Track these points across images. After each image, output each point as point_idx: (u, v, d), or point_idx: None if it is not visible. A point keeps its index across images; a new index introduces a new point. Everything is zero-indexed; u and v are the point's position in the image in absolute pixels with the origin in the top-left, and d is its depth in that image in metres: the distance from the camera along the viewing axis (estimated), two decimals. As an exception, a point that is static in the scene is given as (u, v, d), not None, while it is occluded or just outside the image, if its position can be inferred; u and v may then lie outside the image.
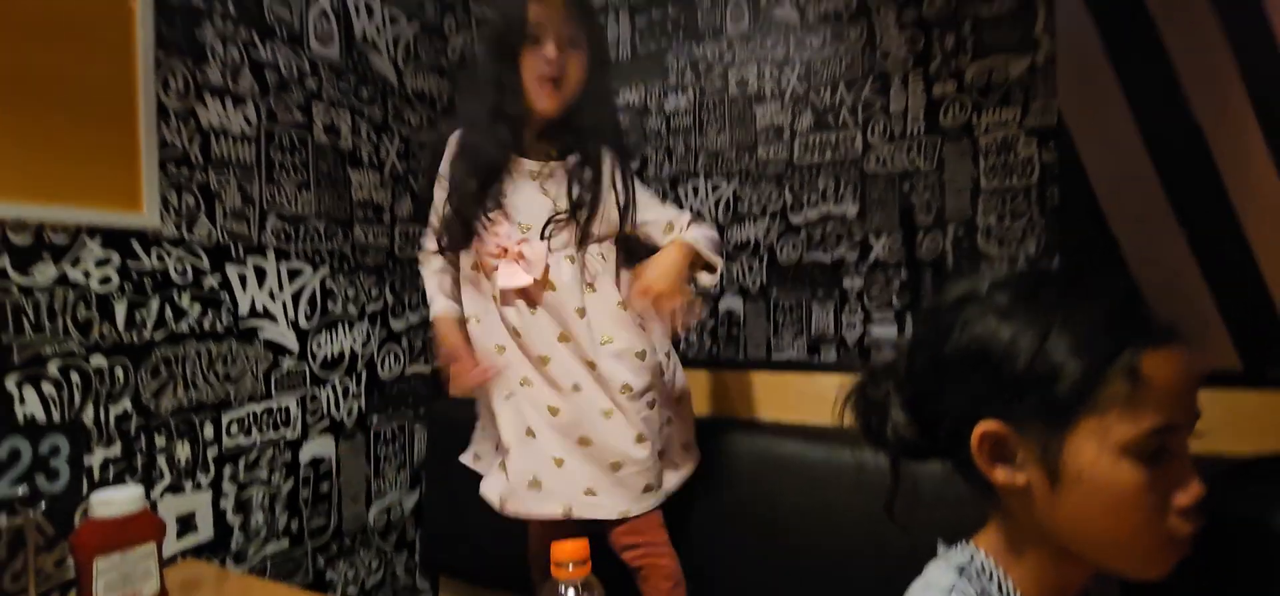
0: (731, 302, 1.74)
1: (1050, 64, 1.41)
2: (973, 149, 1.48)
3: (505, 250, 0.98)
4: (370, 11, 1.34)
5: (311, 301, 1.22)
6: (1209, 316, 1.27)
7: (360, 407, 1.31)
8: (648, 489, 1.02)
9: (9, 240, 0.87)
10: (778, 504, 1.12)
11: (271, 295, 1.16)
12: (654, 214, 1.07)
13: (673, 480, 1.07)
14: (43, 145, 0.90)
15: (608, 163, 1.05)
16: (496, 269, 0.98)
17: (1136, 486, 0.47)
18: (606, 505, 0.98)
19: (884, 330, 1.56)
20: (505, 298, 1.00)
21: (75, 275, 0.93)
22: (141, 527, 0.82)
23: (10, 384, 0.87)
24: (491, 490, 1.03)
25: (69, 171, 0.92)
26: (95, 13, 0.95)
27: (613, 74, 1.09)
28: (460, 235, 1.02)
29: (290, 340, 1.19)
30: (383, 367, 1.36)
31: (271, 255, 1.16)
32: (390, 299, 1.37)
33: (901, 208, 1.55)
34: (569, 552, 0.64)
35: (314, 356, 1.23)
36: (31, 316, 0.89)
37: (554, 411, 1.00)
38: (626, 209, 1.03)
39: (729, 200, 1.74)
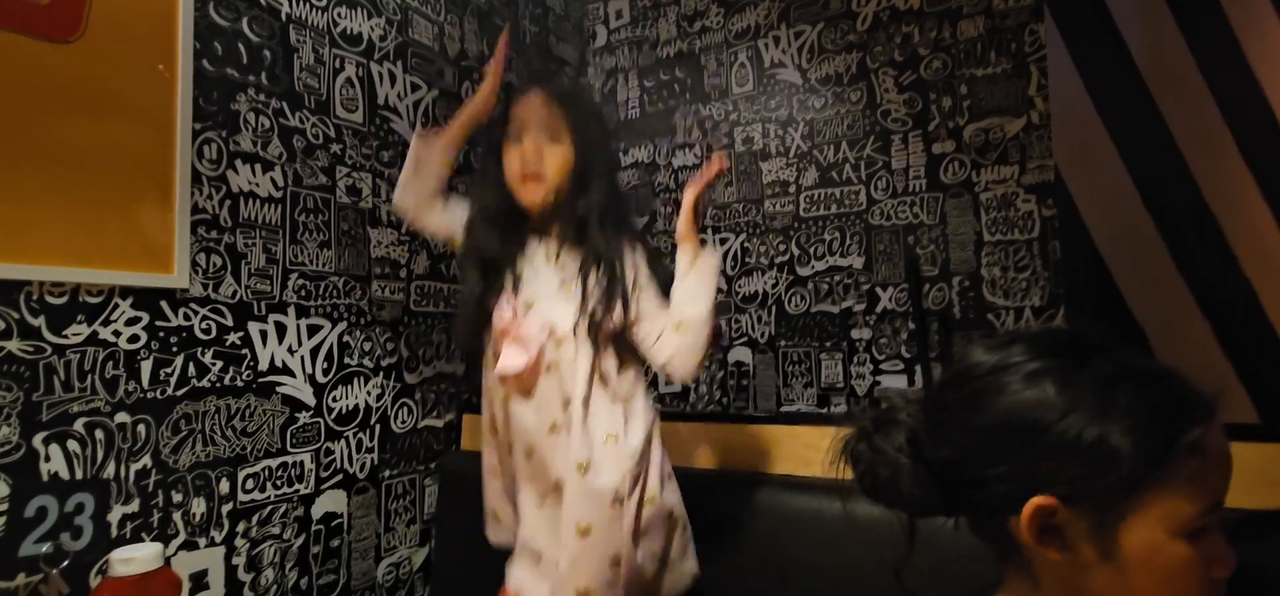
0: (740, 354, 1.75)
1: (1045, 123, 1.45)
2: (974, 204, 1.52)
3: (506, 330, 0.97)
4: (392, 79, 1.41)
5: (329, 356, 1.25)
6: (1223, 370, 1.28)
7: (373, 461, 1.32)
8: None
9: (46, 302, 0.91)
10: (791, 561, 1.11)
11: (290, 350, 1.19)
12: (651, 324, 0.99)
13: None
14: (84, 210, 0.94)
15: (633, 255, 1.02)
16: (499, 350, 0.97)
17: (1189, 563, 0.47)
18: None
19: (893, 380, 1.58)
20: (514, 386, 0.98)
21: (106, 334, 0.96)
22: (159, 586, 0.83)
23: (37, 441, 0.90)
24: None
25: (106, 235, 0.96)
26: (137, 87, 1.01)
27: (615, 164, 1.09)
28: (474, 332, 1.03)
29: (307, 394, 1.21)
30: (396, 421, 1.37)
31: (292, 311, 1.20)
32: (405, 353, 1.40)
33: (907, 260, 1.58)
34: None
35: (329, 410, 1.25)
36: (62, 375, 0.92)
37: (541, 504, 0.99)
38: (626, 298, 0.98)
39: (737, 253, 1.78)
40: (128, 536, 0.97)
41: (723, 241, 1.80)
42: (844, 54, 1.69)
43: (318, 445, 1.22)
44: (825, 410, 1.64)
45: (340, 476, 1.26)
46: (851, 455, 0.59)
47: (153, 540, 0.98)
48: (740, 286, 1.76)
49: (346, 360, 1.28)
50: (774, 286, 1.72)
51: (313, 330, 1.23)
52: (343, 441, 1.27)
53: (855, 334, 1.62)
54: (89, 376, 0.94)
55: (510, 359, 0.96)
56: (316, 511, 1.22)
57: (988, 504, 0.53)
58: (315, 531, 1.22)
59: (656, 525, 0.98)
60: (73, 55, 0.94)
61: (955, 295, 1.52)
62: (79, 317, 0.94)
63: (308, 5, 1.25)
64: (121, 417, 0.97)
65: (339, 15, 1.31)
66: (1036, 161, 1.46)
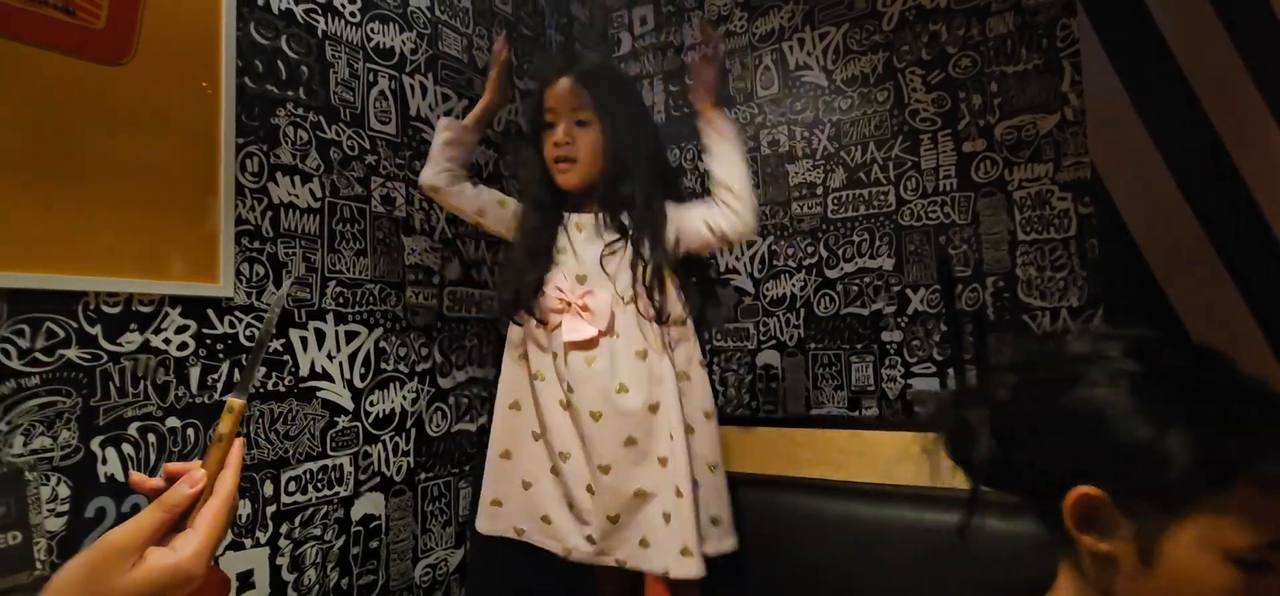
0: (769, 357, 1.75)
1: (1080, 119, 1.43)
2: (1007, 203, 1.49)
3: (568, 303, 1.02)
4: (424, 91, 1.44)
5: (366, 362, 1.28)
6: (1271, 370, 1.24)
7: (409, 465, 1.35)
8: (685, 552, 1.00)
9: (102, 311, 0.95)
10: (821, 565, 1.11)
11: (329, 356, 1.22)
12: (694, 223, 1.07)
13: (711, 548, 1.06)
14: (135, 223, 0.99)
15: (668, 214, 1.08)
16: (560, 324, 1.02)
17: (1232, 589, 0.47)
18: (653, 559, 0.99)
19: (926, 383, 1.56)
20: (577, 349, 1.04)
21: (157, 342, 1.01)
22: (210, 585, 0.85)
23: (95, 445, 0.94)
24: (553, 541, 1.05)
25: (156, 246, 1.01)
26: (184, 105, 1.05)
27: (655, 140, 1.14)
28: (523, 295, 1.08)
29: (346, 399, 1.24)
30: (430, 425, 1.40)
31: (330, 319, 1.23)
32: (438, 358, 1.43)
33: (939, 261, 1.56)
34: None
35: (367, 414, 1.28)
36: (117, 381, 0.96)
37: (606, 469, 1.01)
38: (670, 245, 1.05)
39: (764, 256, 1.77)
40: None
41: (750, 244, 1.80)
42: (870, 54, 1.68)
43: (356, 448, 1.26)
44: (856, 413, 1.63)
45: (378, 479, 1.29)
46: (942, 416, 0.61)
47: (202, 540, 1.02)
48: (768, 289, 1.76)
49: (383, 365, 1.31)
50: (802, 289, 1.71)
51: (350, 336, 1.26)
52: (380, 445, 1.30)
53: (886, 336, 1.60)
54: (142, 382, 0.99)
55: (576, 330, 1.01)
56: (356, 513, 1.25)
57: (1045, 485, 0.53)
58: (355, 533, 1.25)
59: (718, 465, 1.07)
60: (124, 76, 0.99)
61: (989, 296, 1.50)
62: (132, 326, 0.98)
63: (343, 21, 1.29)
64: (172, 422, 1.01)
65: (372, 30, 1.35)
66: (1071, 159, 1.44)
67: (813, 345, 1.69)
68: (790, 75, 1.78)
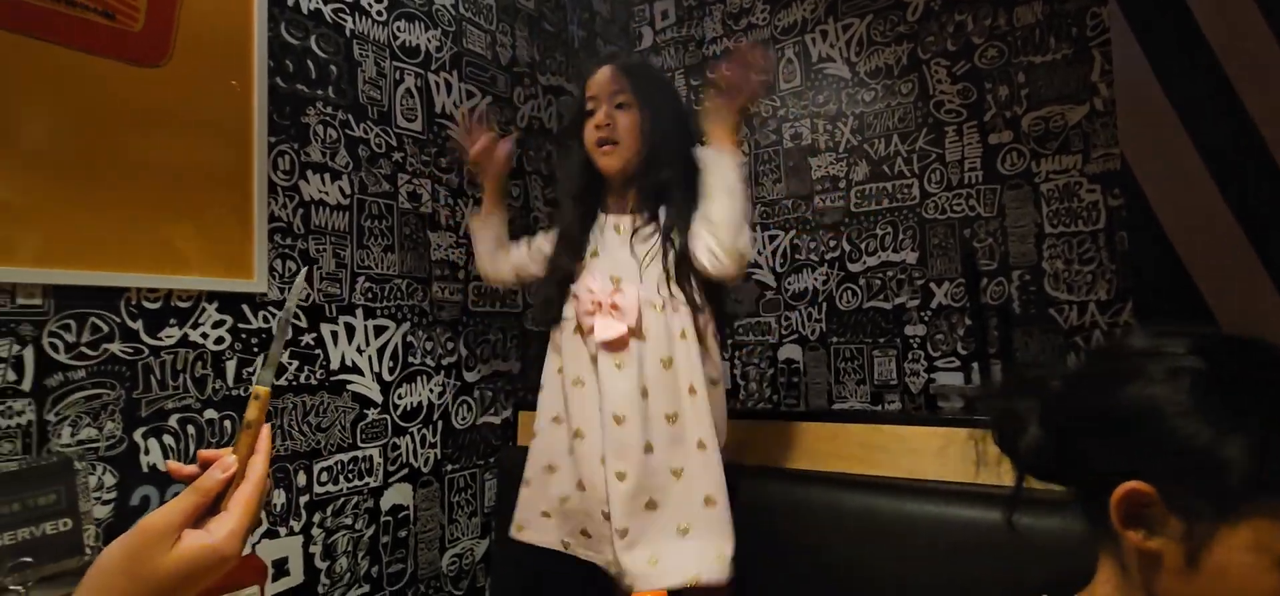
0: (791, 351, 1.75)
1: (1110, 110, 1.40)
2: (1034, 195, 1.47)
3: (599, 304, 1.03)
4: (448, 88, 1.46)
5: (394, 355, 1.31)
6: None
7: (436, 456, 1.38)
8: (721, 556, 1.00)
9: (143, 306, 0.98)
10: (843, 559, 1.11)
11: (359, 350, 1.25)
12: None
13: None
14: (173, 221, 1.02)
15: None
16: (593, 326, 1.03)
17: None
18: (671, 571, 0.97)
19: (950, 377, 1.54)
20: (607, 349, 1.04)
21: (195, 336, 1.04)
22: (248, 571, 0.89)
23: (138, 436, 0.97)
24: (595, 553, 1.06)
25: (194, 244, 1.04)
26: (218, 106, 1.08)
27: (688, 130, 1.14)
28: (554, 299, 1.11)
29: (375, 392, 1.27)
30: (456, 418, 1.42)
31: (360, 313, 1.26)
32: (464, 352, 1.45)
33: (963, 254, 1.55)
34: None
35: (395, 407, 1.31)
36: (158, 374, 1.00)
37: (621, 476, 1.00)
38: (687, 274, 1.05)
39: (786, 250, 1.77)
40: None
41: (772, 238, 1.79)
42: (894, 45, 1.66)
43: (385, 440, 1.28)
44: (878, 407, 1.62)
45: (406, 470, 1.32)
46: (990, 405, 0.61)
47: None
48: (790, 283, 1.76)
49: (410, 359, 1.34)
50: (824, 283, 1.71)
51: (379, 330, 1.29)
52: (408, 437, 1.32)
53: (909, 330, 1.59)
54: (181, 375, 1.02)
55: (607, 328, 1.02)
56: (385, 503, 1.28)
57: (1094, 479, 0.52)
58: (384, 522, 1.28)
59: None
60: (162, 78, 1.02)
61: (1015, 289, 1.48)
62: (171, 321, 1.01)
63: (370, 20, 1.31)
64: (210, 413, 1.05)
65: (398, 28, 1.37)
66: (1101, 150, 1.41)
67: (835, 339, 1.69)
68: (813, 68, 1.77)
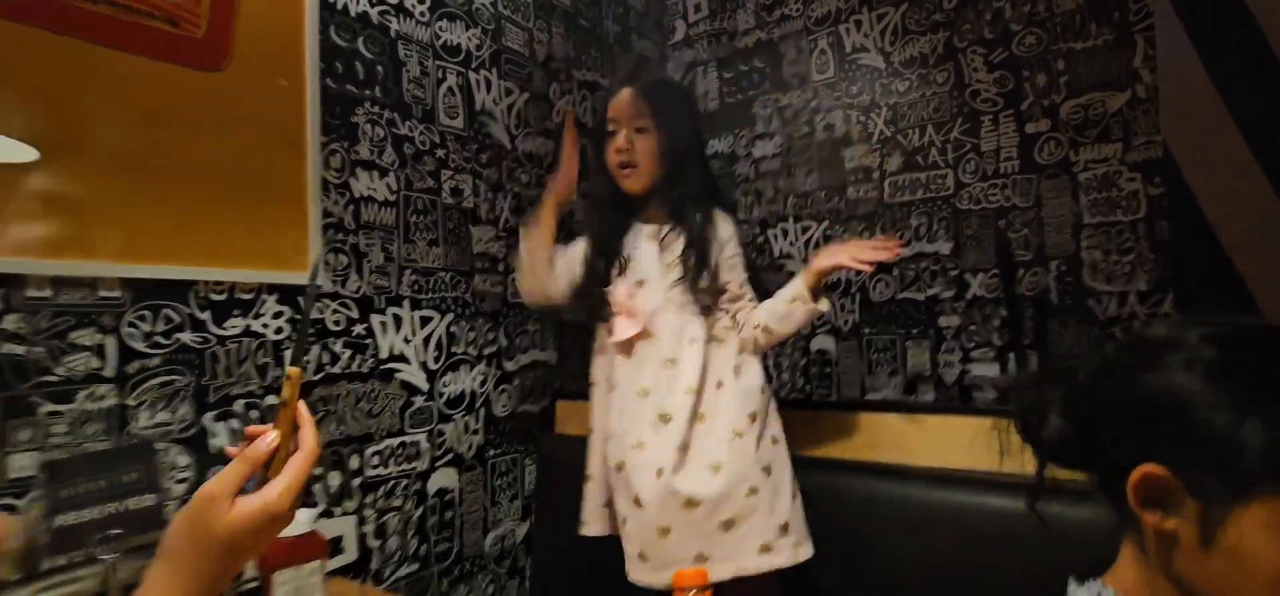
0: (823, 342, 1.76)
1: (1152, 97, 1.38)
2: (1072, 185, 1.46)
3: (620, 308, 1.10)
4: (488, 86, 1.50)
5: (438, 345, 1.36)
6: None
7: (479, 442, 1.43)
8: (765, 549, 1.03)
9: (210, 298, 1.04)
10: (875, 547, 1.13)
11: (406, 340, 1.30)
12: (739, 305, 1.14)
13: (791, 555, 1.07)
14: (236, 218, 1.08)
15: (724, 226, 1.15)
16: (614, 328, 1.09)
17: None
18: (717, 569, 1.00)
19: (984, 368, 1.54)
20: (621, 350, 1.10)
21: (256, 326, 1.10)
22: (310, 547, 0.95)
23: (206, 420, 1.04)
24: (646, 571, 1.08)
25: (254, 239, 1.09)
26: (274, 107, 1.13)
27: (701, 144, 1.20)
28: (593, 301, 1.16)
29: (421, 380, 1.32)
30: (498, 405, 1.47)
31: (407, 305, 1.31)
32: (504, 342, 1.50)
33: (998, 245, 1.54)
34: (690, 578, 0.70)
35: (440, 395, 1.36)
36: (223, 362, 1.06)
37: (660, 474, 1.04)
38: (714, 272, 1.11)
39: (819, 240, 1.78)
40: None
41: (805, 229, 1.80)
42: (929, 34, 1.65)
43: (431, 426, 1.34)
44: (911, 398, 1.63)
45: (451, 455, 1.37)
46: (1017, 394, 0.63)
47: (300, 508, 1.11)
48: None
49: (454, 349, 1.39)
50: (857, 273, 1.71)
51: (424, 321, 1.34)
52: (452, 423, 1.38)
53: (943, 321, 1.59)
54: (245, 363, 1.08)
55: (623, 329, 1.09)
56: (432, 486, 1.34)
57: (1115, 465, 0.54)
58: (431, 504, 1.33)
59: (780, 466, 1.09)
60: (222, 82, 1.07)
61: (1052, 280, 1.47)
62: (235, 312, 1.07)
63: (413, 21, 1.36)
64: (270, 399, 1.11)
65: (440, 28, 1.41)
66: (1142, 138, 1.39)
67: (867, 330, 1.69)
68: (846, 58, 1.77)
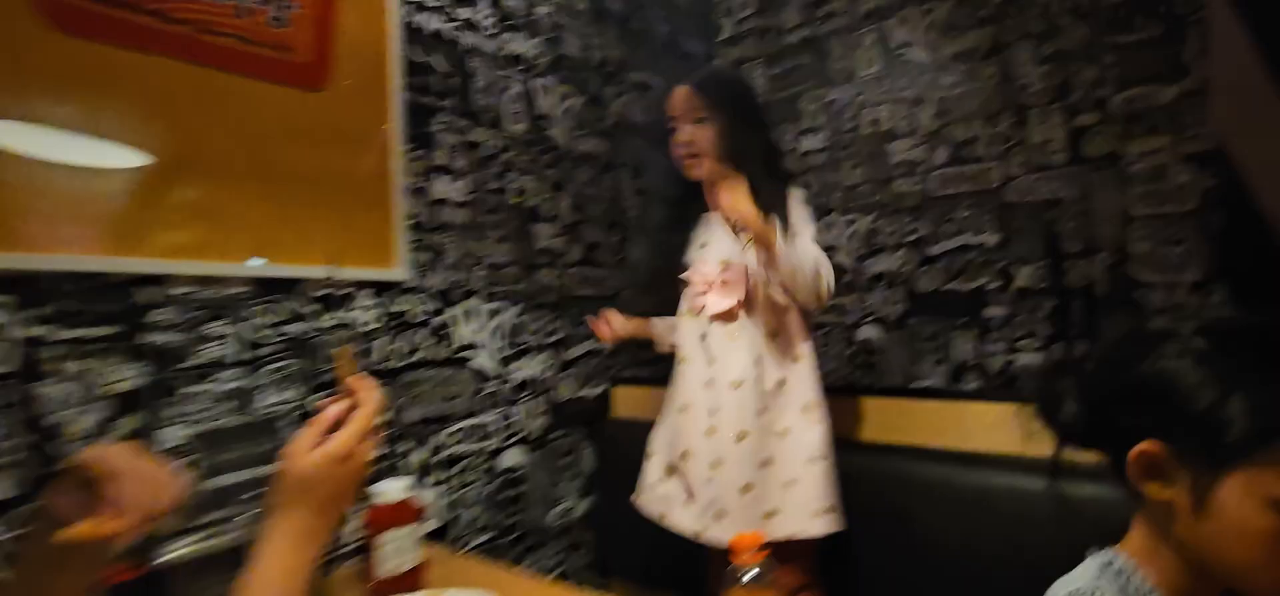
0: (868, 331, 1.81)
1: (1204, 88, 1.38)
2: (1121, 177, 1.47)
3: (710, 283, 1.19)
4: (547, 91, 1.60)
5: (507, 334, 1.48)
6: None
7: (543, 424, 1.55)
8: (820, 511, 1.13)
9: (315, 294, 1.18)
10: (920, 527, 1.19)
11: (478, 330, 1.43)
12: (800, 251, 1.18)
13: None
14: (335, 221, 1.21)
15: (798, 203, 1.21)
16: (704, 304, 1.18)
17: (1270, 534, 0.54)
18: (784, 524, 1.11)
19: (1030, 359, 1.58)
20: (719, 321, 1.19)
21: (352, 318, 1.23)
22: (408, 512, 1.07)
23: (312, 401, 1.17)
24: (685, 521, 1.19)
25: (352, 240, 1.22)
26: (366, 121, 1.26)
27: (764, 128, 1.28)
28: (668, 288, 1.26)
29: (491, 367, 1.45)
30: (559, 391, 1.59)
31: (479, 297, 1.43)
32: (566, 331, 1.61)
33: (1046, 237, 1.56)
34: (748, 542, 0.79)
35: (508, 381, 1.48)
36: (326, 350, 1.19)
37: (742, 437, 1.14)
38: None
39: (865, 233, 1.83)
40: (375, 476, 1.23)
41: (850, 222, 1.86)
42: (976, 29, 1.67)
43: (501, 409, 1.46)
44: (956, 386, 1.67)
45: (518, 436, 1.49)
46: (1039, 381, 0.71)
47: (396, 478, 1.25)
48: (868, 266, 1.82)
49: (519, 338, 1.51)
50: (903, 265, 1.76)
51: (494, 313, 1.46)
52: (520, 407, 1.50)
53: (989, 312, 1.63)
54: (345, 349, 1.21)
55: (716, 303, 1.18)
56: (501, 464, 1.46)
57: (1121, 445, 0.61)
58: (501, 480, 1.46)
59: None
60: (323, 100, 1.20)
61: (1100, 272, 1.49)
62: (336, 305, 1.21)
63: (482, 34, 1.47)
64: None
65: (505, 40, 1.52)
66: (1194, 129, 1.40)
67: (913, 320, 1.74)
68: (892, 54, 1.81)
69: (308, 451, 0.60)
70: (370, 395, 0.65)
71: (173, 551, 0.87)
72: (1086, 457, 0.68)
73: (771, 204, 1.15)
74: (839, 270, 1.86)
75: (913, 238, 1.75)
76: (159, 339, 1.00)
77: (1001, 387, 1.60)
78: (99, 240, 0.95)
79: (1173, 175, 1.42)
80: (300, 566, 0.59)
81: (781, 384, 1.17)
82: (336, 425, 0.63)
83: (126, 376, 0.97)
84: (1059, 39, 1.56)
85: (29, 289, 0.90)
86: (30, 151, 0.90)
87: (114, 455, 0.57)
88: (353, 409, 0.64)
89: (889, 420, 1.38)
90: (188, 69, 1.03)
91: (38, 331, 0.91)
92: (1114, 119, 1.49)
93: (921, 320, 1.74)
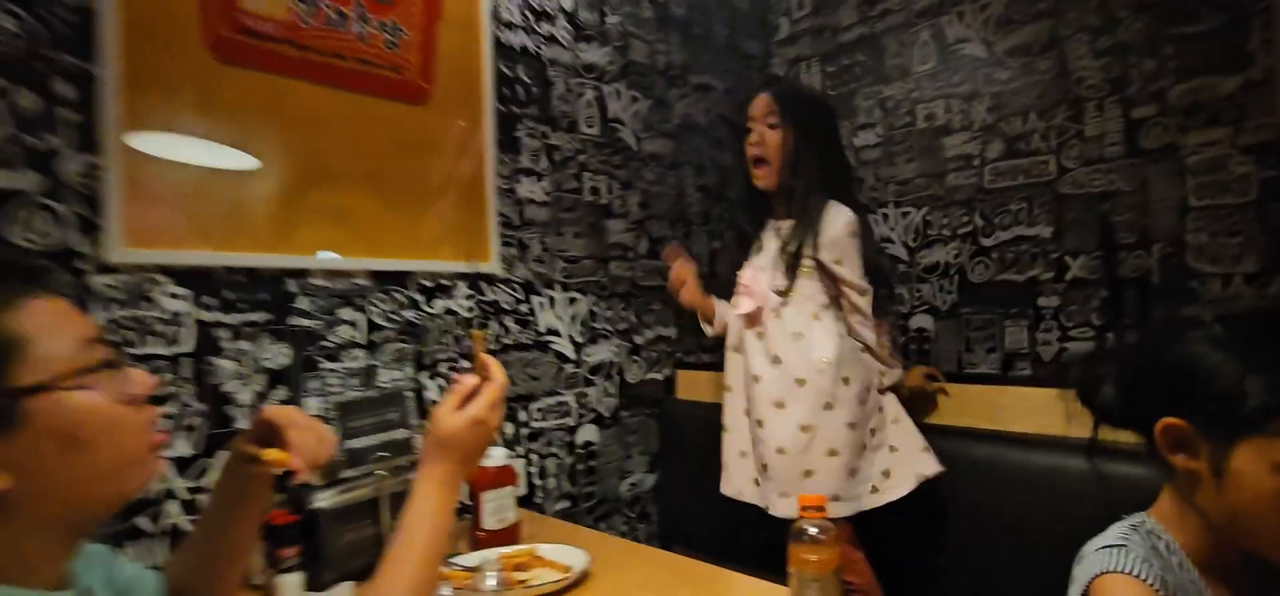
0: (921, 320, 1.88)
1: (1268, 79, 1.40)
2: (1179, 169, 1.50)
3: (746, 287, 1.31)
4: (618, 96, 1.73)
5: (583, 322, 1.62)
6: None
7: (615, 404, 1.69)
8: (835, 498, 1.22)
9: (423, 285, 1.35)
10: (972, 502, 1.28)
11: (558, 316, 1.57)
12: (846, 277, 1.29)
13: (874, 499, 1.27)
14: (437, 220, 1.37)
15: (834, 219, 1.29)
16: (738, 303, 1.31)
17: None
18: (792, 505, 1.22)
19: (1083, 348, 1.62)
20: (748, 323, 1.30)
21: (453, 306, 1.39)
22: (507, 475, 1.23)
23: (423, 378, 1.34)
24: (731, 487, 1.34)
25: (452, 238, 1.39)
26: (463, 133, 1.41)
27: (831, 147, 1.37)
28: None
29: (570, 351, 1.59)
30: (629, 373, 1.73)
31: (558, 288, 1.58)
32: (634, 319, 1.74)
33: (1101, 228, 1.60)
34: (813, 502, 0.90)
35: (584, 363, 1.62)
36: (433, 333, 1.36)
37: (760, 424, 1.27)
38: (816, 254, 1.28)
39: (918, 225, 1.89)
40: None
41: (904, 214, 1.92)
42: (1033, 23, 1.71)
43: (578, 389, 1.61)
44: (1009, 374, 1.72)
45: (593, 414, 1.64)
46: (1078, 366, 0.79)
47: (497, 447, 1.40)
48: (921, 257, 1.88)
49: (594, 325, 1.65)
50: (956, 257, 1.82)
51: (571, 301, 1.60)
52: (594, 387, 1.64)
53: (1042, 302, 1.68)
54: (446, 335, 1.38)
55: (742, 305, 1.31)
56: (578, 439, 1.61)
57: (1150, 425, 0.69)
58: (578, 454, 1.61)
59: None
60: (426, 113, 1.36)
61: (1156, 262, 1.53)
62: (439, 295, 1.37)
63: (560, 47, 1.60)
64: (464, 364, 1.40)
65: (580, 51, 1.65)
66: (1255, 120, 1.42)
67: (966, 310, 1.80)
68: (948, 49, 1.85)
69: (450, 414, 0.74)
70: (499, 372, 0.79)
71: (321, 501, 1.05)
72: (1123, 438, 0.76)
73: (810, 220, 1.26)
74: (894, 261, 1.93)
75: (966, 229, 1.81)
76: (302, 323, 1.18)
77: (1047, 374, 1.65)
78: (256, 240, 1.13)
79: (1232, 166, 1.44)
80: (446, 507, 0.74)
81: (801, 382, 1.25)
82: (472, 395, 0.77)
83: (277, 354, 1.15)
84: (1117, 32, 1.58)
85: (203, 281, 1.09)
86: (204, 163, 1.09)
87: (290, 412, 0.72)
88: (484, 383, 0.78)
89: (941, 403, 1.46)
90: (322, 91, 1.20)
91: (210, 316, 1.09)
92: (1172, 111, 1.51)
93: (974, 309, 1.79)
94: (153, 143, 1.03)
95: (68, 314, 0.52)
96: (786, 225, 1.31)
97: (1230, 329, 0.66)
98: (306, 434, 0.71)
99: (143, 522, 1.02)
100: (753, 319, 1.30)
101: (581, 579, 1.02)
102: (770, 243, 1.34)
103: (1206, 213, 1.47)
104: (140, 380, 0.56)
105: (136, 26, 1.00)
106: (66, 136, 0.96)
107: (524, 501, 1.50)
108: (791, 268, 1.27)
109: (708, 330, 1.44)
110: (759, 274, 1.31)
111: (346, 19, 1.23)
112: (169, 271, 1.05)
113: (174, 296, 1.05)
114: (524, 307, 1.51)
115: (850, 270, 1.28)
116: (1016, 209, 1.72)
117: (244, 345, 1.12)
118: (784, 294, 1.28)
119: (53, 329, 0.50)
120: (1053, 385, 1.31)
